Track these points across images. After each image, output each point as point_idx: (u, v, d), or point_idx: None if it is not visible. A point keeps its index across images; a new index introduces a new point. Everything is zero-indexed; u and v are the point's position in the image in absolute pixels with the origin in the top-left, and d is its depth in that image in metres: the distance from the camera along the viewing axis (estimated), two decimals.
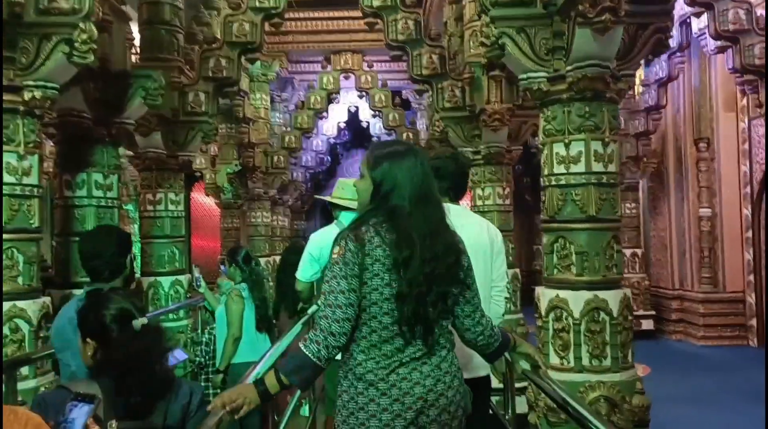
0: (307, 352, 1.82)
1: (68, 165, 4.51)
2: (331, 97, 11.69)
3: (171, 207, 6.24)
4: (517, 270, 6.44)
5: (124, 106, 4.64)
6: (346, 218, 3.61)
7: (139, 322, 1.89)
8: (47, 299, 3.85)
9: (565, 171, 3.53)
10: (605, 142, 3.50)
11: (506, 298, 2.81)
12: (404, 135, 11.37)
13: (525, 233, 15.84)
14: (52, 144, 6.75)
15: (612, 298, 3.45)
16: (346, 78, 11.41)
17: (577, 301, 3.46)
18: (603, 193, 3.49)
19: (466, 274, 1.95)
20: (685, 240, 10.50)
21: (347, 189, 3.65)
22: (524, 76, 3.64)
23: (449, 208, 2.38)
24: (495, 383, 6.07)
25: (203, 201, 17.76)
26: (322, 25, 11.05)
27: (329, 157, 16.98)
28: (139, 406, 1.79)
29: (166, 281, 6.11)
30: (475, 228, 2.69)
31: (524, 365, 2.44)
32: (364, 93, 11.45)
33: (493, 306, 2.71)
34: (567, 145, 3.52)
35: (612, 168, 3.52)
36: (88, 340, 1.92)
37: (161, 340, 1.90)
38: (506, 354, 2.24)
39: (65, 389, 1.81)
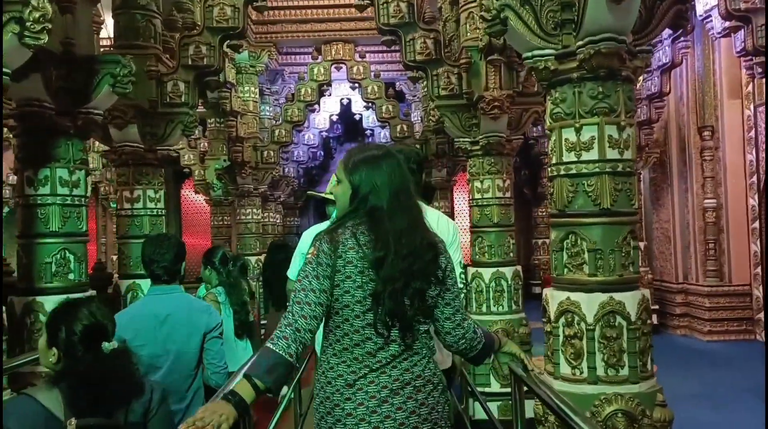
0: (277, 350, 1.76)
1: (29, 160, 4.11)
2: (322, 89, 11.30)
3: (150, 205, 5.86)
4: (519, 267, 6.08)
5: (90, 94, 4.24)
6: None
7: (109, 346, 1.94)
8: None
9: (575, 159, 3.16)
10: (621, 126, 3.13)
11: (459, 288, 2.77)
12: (398, 127, 11.00)
13: (523, 227, 15.50)
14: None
15: (629, 300, 3.09)
16: (338, 69, 11.02)
17: (590, 303, 3.09)
18: (618, 182, 3.12)
19: (445, 275, 1.93)
20: (689, 232, 10.17)
21: None
22: (529, 54, 3.27)
23: None
24: (496, 387, 5.81)
25: (194, 198, 17.38)
26: (312, 13, 10.66)
27: (322, 152, 16.59)
28: (95, 409, 1.84)
29: (145, 284, 5.70)
30: (429, 222, 2.66)
31: (513, 367, 2.36)
32: (356, 84, 11.07)
33: None
34: (578, 130, 3.15)
35: (628, 155, 3.16)
36: (54, 348, 1.94)
37: (129, 364, 1.97)
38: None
39: (28, 396, 1.86)
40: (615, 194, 3.10)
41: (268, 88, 12.47)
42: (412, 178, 2.71)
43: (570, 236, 3.19)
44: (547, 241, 15.91)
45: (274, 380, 1.74)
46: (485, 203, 5.97)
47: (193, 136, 14.42)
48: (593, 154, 3.13)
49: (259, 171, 10.94)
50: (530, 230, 16.04)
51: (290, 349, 1.76)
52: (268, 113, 12.29)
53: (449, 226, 2.98)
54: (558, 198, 3.23)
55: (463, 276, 3.05)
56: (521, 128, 6.06)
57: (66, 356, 1.91)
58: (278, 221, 13.95)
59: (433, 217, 2.80)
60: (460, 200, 17.20)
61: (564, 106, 3.20)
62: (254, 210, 11.04)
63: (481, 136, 5.86)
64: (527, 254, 15.86)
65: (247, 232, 10.95)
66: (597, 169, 3.12)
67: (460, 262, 2.91)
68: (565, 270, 3.22)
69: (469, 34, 5.87)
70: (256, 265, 10.77)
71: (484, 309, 5.88)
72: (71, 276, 4.20)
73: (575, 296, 3.13)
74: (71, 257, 4.20)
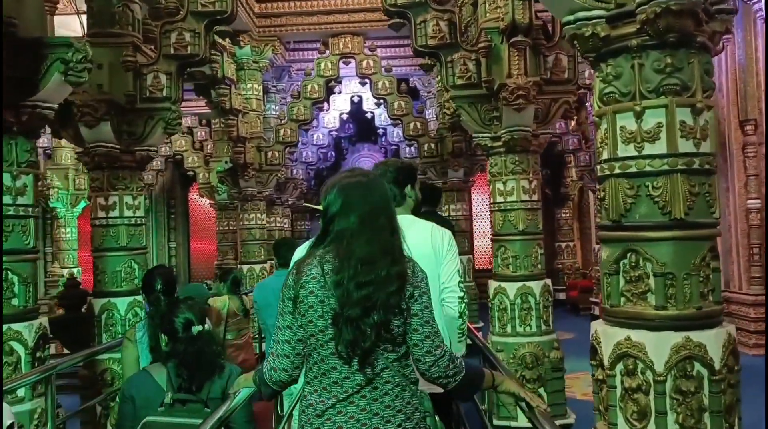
0: (263, 372, 1.98)
1: None
2: (330, 86, 10.58)
3: (128, 212, 5.16)
4: (548, 281, 5.30)
5: (37, 84, 3.55)
6: None
7: (196, 329, 2.51)
8: None
9: (636, 153, 2.40)
10: (696, 109, 2.37)
11: (459, 297, 2.60)
12: (411, 125, 10.24)
13: (546, 230, 14.67)
14: None
15: (712, 341, 2.31)
16: (346, 64, 10.28)
17: (659, 346, 2.32)
18: (695, 184, 2.36)
19: (409, 304, 1.84)
20: (731, 235, 9.29)
21: None
22: (570, 17, 2.52)
23: None
24: (522, 421, 5.03)
25: (201, 202, 16.79)
26: (318, 4, 9.94)
27: (333, 152, 15.89)
28: (190, 384, 2.43)
29: (122, 303, 5.04)
30: (417, 238, 2.51)
31: (521, 406, 2.18)
32: (366, 79, 10.33)
33: (445, 309, 2.59)
34: (639, 115, 2.38)
35: (706, 147, 2.39)
36: (162, 334, 2.60)
37: (211, 343, 2.55)
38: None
39: (146, 371, 2.59)
40: (690, 200, 2.34)
41: (273, 86, 11.79)
42: (392, 193, 2.62)
43: (629, 255, 2.43)
44: (571, 244, 15.11)
45: (264, 392, 2.03)
46: (509, 207, 5.20)
47: (198, 138, 13.95)
48: (660, 147, 2.36)
49: (263, 173, 10.23)
50: (553, 233, 15.20)
51: (270, 379, 1.96)
52: (274, 112, 11.60)
53: (442, 240, 2.66)
54: (612, 205, 2.47)
55: (462, 284, 2.64)
56: (550, 121, 5.29)
57: (171, 339, 2.52)
58: (286, 226, 13.26)
59: (424, 231, 2.64)
60: (479, 202, 16.42)
61: (619, 84, 2.44)
62: (258, 215, 10.32)
63: (503, 131, 5.11)
64: (550, 258, 14.99)
65: (251, 238, 10.23)
66: (666, 167, 2.35)
67: (458, 270, 2.65)
68: (623, 300, 2.45)
69: (488, 14, 5.12)
70: (261, 274, 10.08)
71: (508, 329, 5.12)
72: (15, 301, 3.51)
73: (638, 335, 2.36)
74: (15, 279, 3.51)
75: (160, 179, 15.72)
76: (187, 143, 13.52)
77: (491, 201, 5.41)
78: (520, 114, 4.96)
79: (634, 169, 2.41)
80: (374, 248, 1.81)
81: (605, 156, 2.53)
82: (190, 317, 2.51)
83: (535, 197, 5.26)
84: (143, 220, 5.31)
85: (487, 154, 5.38)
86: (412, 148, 11.83)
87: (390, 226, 1.88)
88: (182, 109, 14.10)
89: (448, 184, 9.92)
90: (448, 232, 2.72)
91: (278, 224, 12.45)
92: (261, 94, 10.46)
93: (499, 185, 5.26)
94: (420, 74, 13.18)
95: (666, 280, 2.34)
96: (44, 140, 12.35)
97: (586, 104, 11.61)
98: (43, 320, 3.68)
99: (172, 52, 5.18)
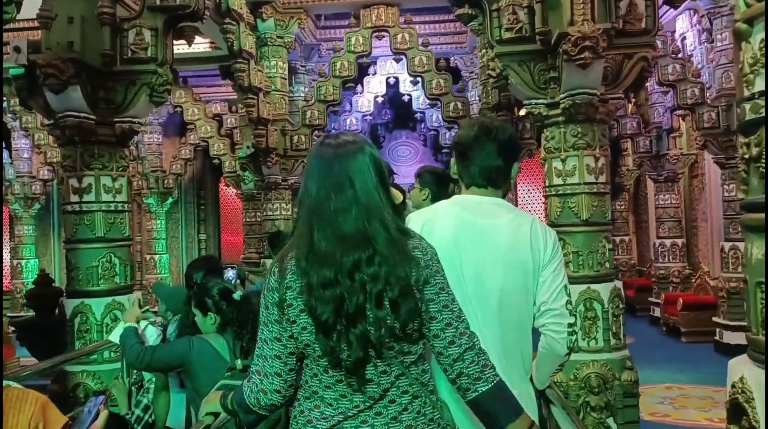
0: (244, 395, 1.68)
1: None
2: (364, 65, 9.63)
3: (106, 196, 4.32)
4: (619, 283, 4.25)
5: None
6: None
7: (238, 295, 2.67)
8: None
9: None
10: None
11: (569, 324, 1.91)
12: (451, 105, 9.21)
13: None
14: None
15: None
16: (379, 38, 9.31)
17: None
18: None
19: (423, 289, 1.54)
20: None
21: None
22: None
23: (474, 200, 2.03)
24: None
25: (231, 193, 16.08)
26: None
27: (369, 140, 14.96)
28: (250, 347, 2.50)
29: (97, 304, 4.20)
30: (506, 233, 1.93)
31: None
32: (401, 55, 9.33)
33: (547, 339, 1.94)
34: None
35: None
36: (210, 314, 2.71)
37: (256, 303, 2.34)
38: None
39: (203, 339, 2.71)
40: None
41: (302, 66, 10.93)
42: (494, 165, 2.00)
43: None
44: (626, 239, 13.85)
45: (245, 416, 1.73)
46: (569, 191, 4.17)
47: (228, 125, 13.20)
48: None
49: (288, 159, 9.35)
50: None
51: (253, 403, 1.65)
52: (302, 94, 10.73)
53: (546, 240, 1.96)
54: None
55: (570, 305, 1.96)
56: (622, 83, 4.20)
57: (219, 313, 2.68)
58: None
59: (522, 225, 1.95)
60: (526, 194, 15.22)
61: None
62: (283, 204, 9.48)
63: (563, 95, 4.07)
64: None
65: (275, 230, 9.39)
66: None
67: (566, 286, 1.97)
68: None
69: None
70: None
71: None
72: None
73: None
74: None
75: (189, 168, 15.05)
76: (213, 129, 12.78)
77: (546, 183, 4.37)
78: (584, 72, 3.91)
79: None
80: (352, 226, 1.53)
81: (759, 86, 1.49)
82: (225, 286, 2.61)
83: (602, 178, 4.22)
84: (125, 206, 4.45)
85: (541, 125, 4.34)
86: (452, 132, 10.81)
87: (370, 199, 1.56)
88: (211, 94, 13.32)
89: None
90: (554, 232, 2.03)
91: None
92: (286, 72, 9.58)
93: (557, 164, 4.22)
94: (462, 52, 12.12)
95: None
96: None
97: (646, 84, 10.37)
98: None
99: (157, 2, 4.31)
